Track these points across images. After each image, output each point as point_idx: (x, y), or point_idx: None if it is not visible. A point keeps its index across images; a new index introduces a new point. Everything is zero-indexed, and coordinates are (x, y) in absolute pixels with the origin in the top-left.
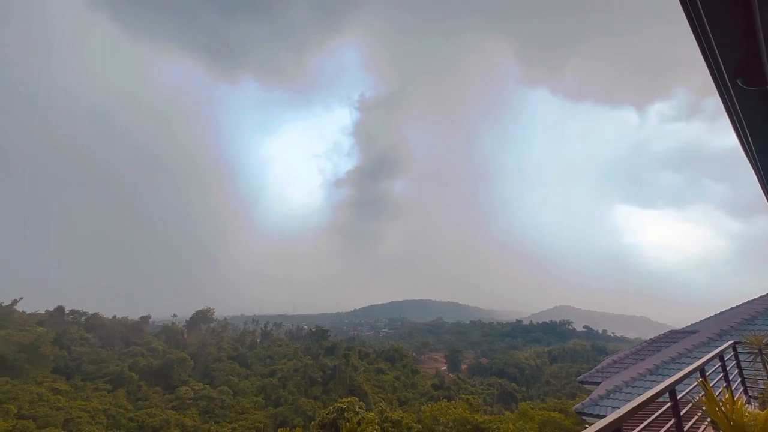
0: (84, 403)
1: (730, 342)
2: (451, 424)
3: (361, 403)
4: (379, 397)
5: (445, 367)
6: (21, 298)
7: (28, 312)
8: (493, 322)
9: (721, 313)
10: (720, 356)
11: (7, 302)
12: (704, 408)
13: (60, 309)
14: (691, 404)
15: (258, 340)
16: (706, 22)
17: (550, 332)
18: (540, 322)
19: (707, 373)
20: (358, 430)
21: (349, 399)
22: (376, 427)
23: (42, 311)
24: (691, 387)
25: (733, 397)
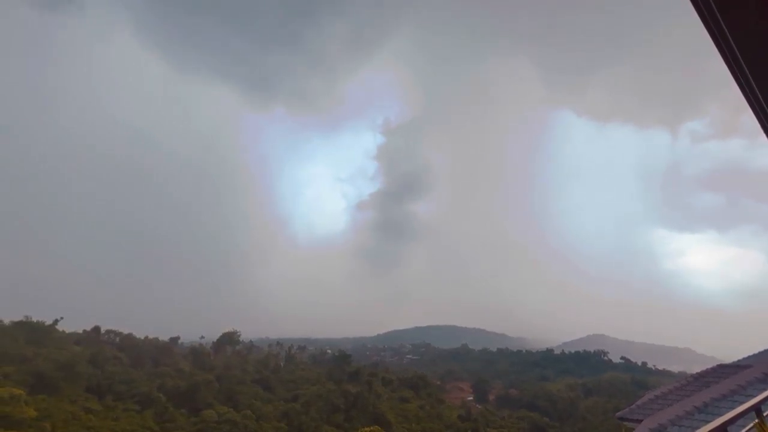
0: (113, 423)
1: None
2: None
3: None
4: (403, 427)
5: (471, 398)
6: (62, 318)
7: (68, 331)
8: (521, 351)
9: None
10: None
11: (49, 321)
12: None
13: (96, 329)
14: None
15: (281, 364)
16: (742, 62)
17: (583, 363)
18: (572, 351)
19: (764, 413)
20: None
21: (371, 428)
22: None
23: (80, 330)
24: (746, 429)
25: None
